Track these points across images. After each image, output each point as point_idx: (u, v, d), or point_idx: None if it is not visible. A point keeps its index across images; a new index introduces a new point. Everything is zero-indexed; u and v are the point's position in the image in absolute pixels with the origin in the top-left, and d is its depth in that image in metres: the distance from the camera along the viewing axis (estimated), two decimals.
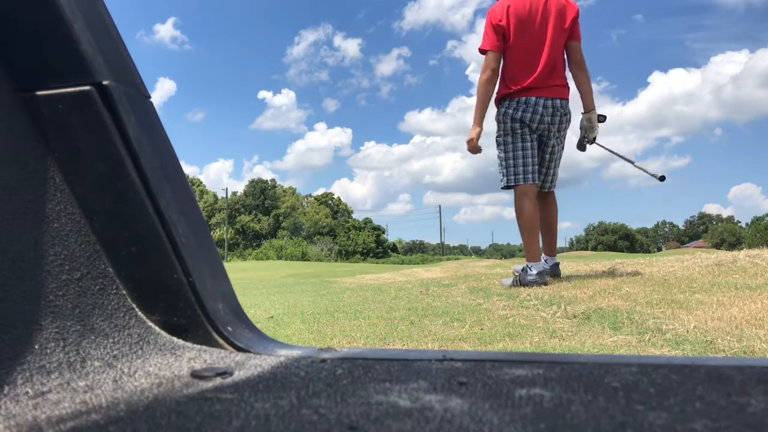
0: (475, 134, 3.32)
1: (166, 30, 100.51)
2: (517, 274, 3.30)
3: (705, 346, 1.53)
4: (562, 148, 3.40)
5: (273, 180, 60.91)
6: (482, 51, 3.29)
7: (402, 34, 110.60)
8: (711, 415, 0.38)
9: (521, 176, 3.22)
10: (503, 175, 3.30)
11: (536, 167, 3.25)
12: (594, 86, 3.39)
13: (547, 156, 3.32)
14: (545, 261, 3.35)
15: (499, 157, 3.33)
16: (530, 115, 3.19)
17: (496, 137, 3.34)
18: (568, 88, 3.32)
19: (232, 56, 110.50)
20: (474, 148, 3.36)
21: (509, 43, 3.21)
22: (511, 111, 3.22)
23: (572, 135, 3.46)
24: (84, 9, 0.57)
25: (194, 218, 0.64)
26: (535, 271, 3.18)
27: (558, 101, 3.23)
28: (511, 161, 3.24)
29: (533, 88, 3.19)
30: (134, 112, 0.59)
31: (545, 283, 3.15)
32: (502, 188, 3.34)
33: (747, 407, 0.39)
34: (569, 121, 3.33)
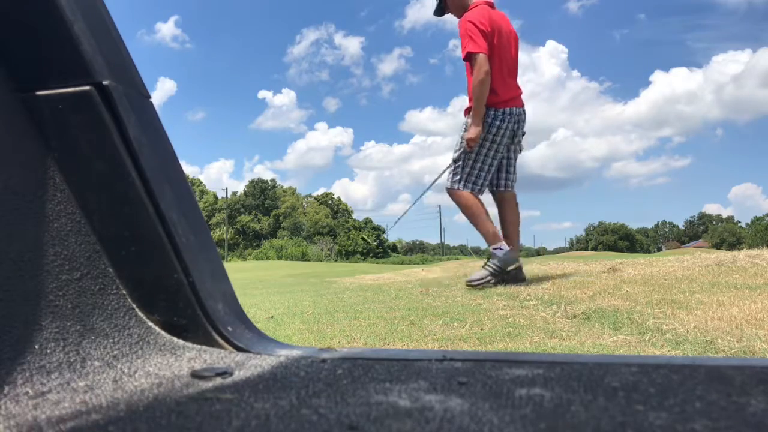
0: (475, 134, 3.38)
1: (167, 28, 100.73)
2: (489, 269, 3.39)
3: (705, 346, 1.53)
4: (521, 150, 3.62)
5: (273, 180, 61.02)
6: (471, 54, 3.29)
7: (403, 32, 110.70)
8: (711, 415, 0.38)
9: (478, 187, 3.41)
10: (459, 177, 3.42)
11: (488, 180, 3.46)
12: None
13: (512, 154, 3.52)
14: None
15: (461, 156, 3.42)
16: (513, 125, 3.41)
17: (467, 138, 3.37)
18: None
19: (233, 55, 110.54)
20: (471, 149, 3.42)
21: (492, 51, 3.34)
22: (498, 121, 3.37)
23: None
24: (84, 9, 0.57)
25: (194, 218, 0.64)
26: (503, 248, 3.33)
27: (522, 109, 3.51)
28: (476, 170, 3.40)
29: (513, 97, 3.44)
30: (134, 112, 0.59)
31: (516, 260, 3.35)
32: (447, 189, 3.50)
33: (747, 407, 0.39)
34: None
